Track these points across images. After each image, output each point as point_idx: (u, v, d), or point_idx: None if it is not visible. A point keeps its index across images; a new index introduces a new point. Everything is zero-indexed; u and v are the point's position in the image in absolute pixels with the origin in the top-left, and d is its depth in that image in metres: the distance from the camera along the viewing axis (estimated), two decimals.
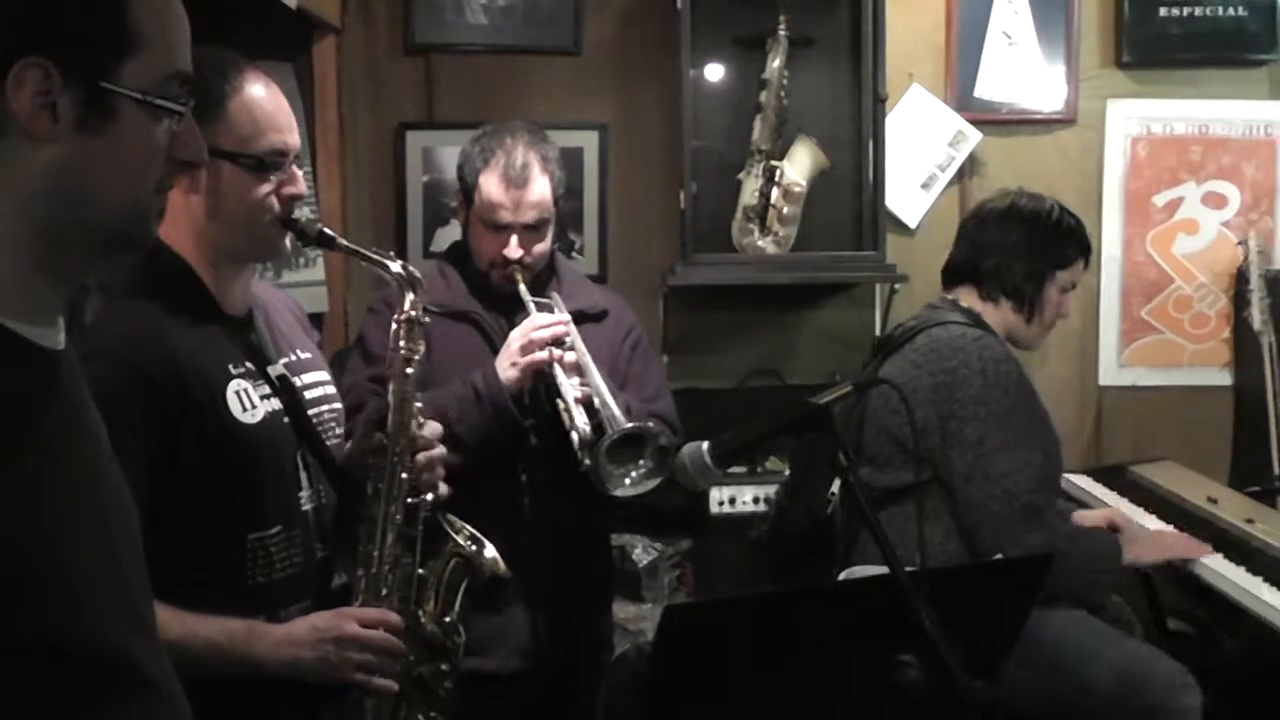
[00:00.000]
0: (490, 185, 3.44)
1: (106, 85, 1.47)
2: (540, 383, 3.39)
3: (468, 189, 3.51)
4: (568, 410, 3.32)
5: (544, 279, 3.59)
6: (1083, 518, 3.90)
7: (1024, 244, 3.77)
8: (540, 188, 3.46)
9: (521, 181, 3.43)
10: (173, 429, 2.25)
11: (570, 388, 3.33)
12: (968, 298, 3.82)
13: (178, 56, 1.55)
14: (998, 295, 3.78)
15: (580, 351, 3.39)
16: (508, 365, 3.34)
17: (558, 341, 3.38)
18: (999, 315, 3.79)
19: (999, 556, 3.41)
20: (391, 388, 2.56)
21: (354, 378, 3.32)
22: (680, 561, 4.69)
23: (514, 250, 3.45)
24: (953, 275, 3.90)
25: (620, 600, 4.40)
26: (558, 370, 3.35)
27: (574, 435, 3.28)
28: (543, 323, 3.37)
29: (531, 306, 3.44)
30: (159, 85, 1.52)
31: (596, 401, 3.29)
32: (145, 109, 1.51)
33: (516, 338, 3.37)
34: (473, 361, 3.40)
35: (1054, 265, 3.79)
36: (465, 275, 3.58)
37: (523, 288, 3.46)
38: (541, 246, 3.51)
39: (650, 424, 3.27)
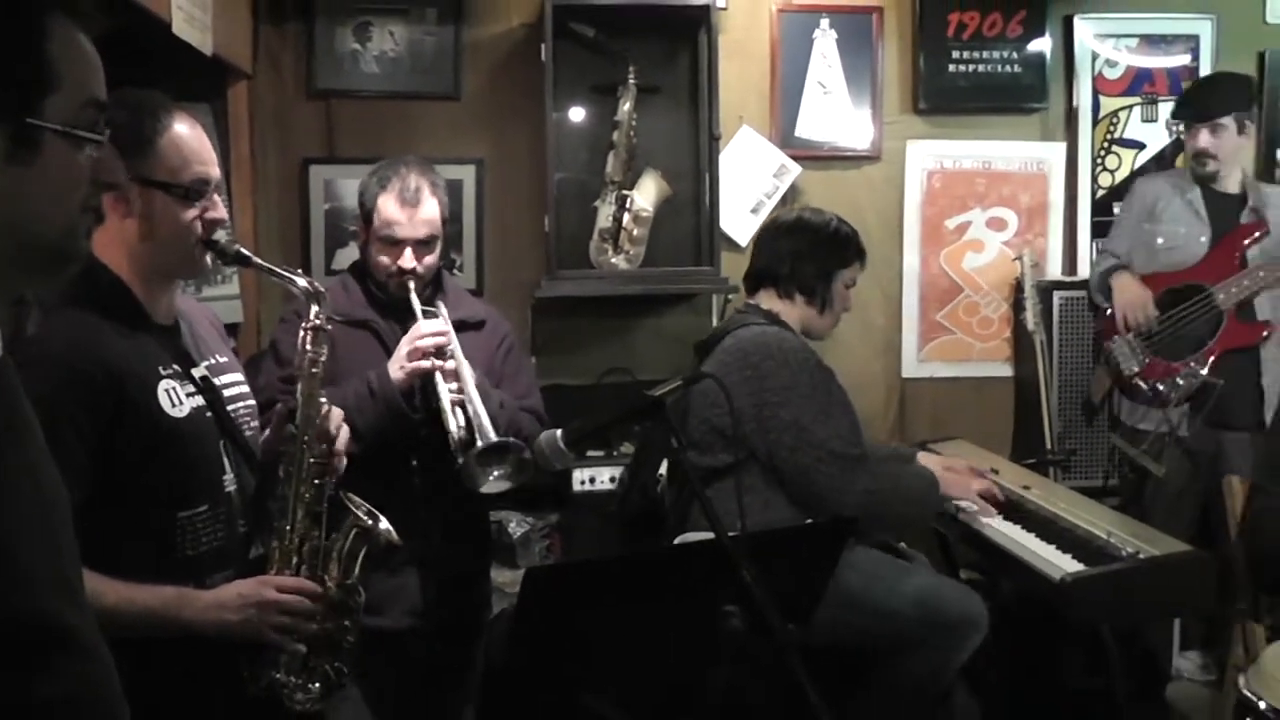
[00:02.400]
0: (388, 205, 3.46)
1: (32, 121, 1.44)
2: (428, 384, 3.41)
3: (367, 211, 3.52)
4: (445, 413, 3.34)
5: (432, 293, 3.60)
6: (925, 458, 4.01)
7: (812, 248, 3.83)
8: (431, 208, 3.49)
9: (415, 201, 3.46)
10: (110, 423, 2.25)
11: (447, 393, 3.36)
12: (768, 299, 3.86)
13: (91, 86, 1.52)
14: (794, 293, 3.83)
15: (459, 361, 3.40)
16: (397, 368, 3.36)
17: (440, 350, 3.40)
18: (795, 311, 3.84)
19: (833, 515, 3.47)
20: (300, 386, 2.57)
21: (267, 378, 3.32)
22: (549, 533, 4.69)
23: (408, 261, 3.46)
24: (754, 281, 3.94)
25: (498, 567, 4.41)
26: (438, 377, 3.37)
27: (450, 436, 3.32)
28: (427, 331, 3.40)
29: (420, 314, 3.45)
30: (77, 115, 1.49)
31: (470, 408, 3.32)
32: (68, 139, 1.48)
33: (405, 345, 3.39)
34: (370, 363, 3.41)
35: (837, 265, 3.85)
36: (364, 289, 3.59)
37: (414, 296, 3.48)
38: (431, 259, 3.53)
39: (512, 439, 3.30)
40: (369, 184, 3.54)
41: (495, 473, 3.31)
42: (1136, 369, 4.63)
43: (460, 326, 3.53)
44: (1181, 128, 4.84)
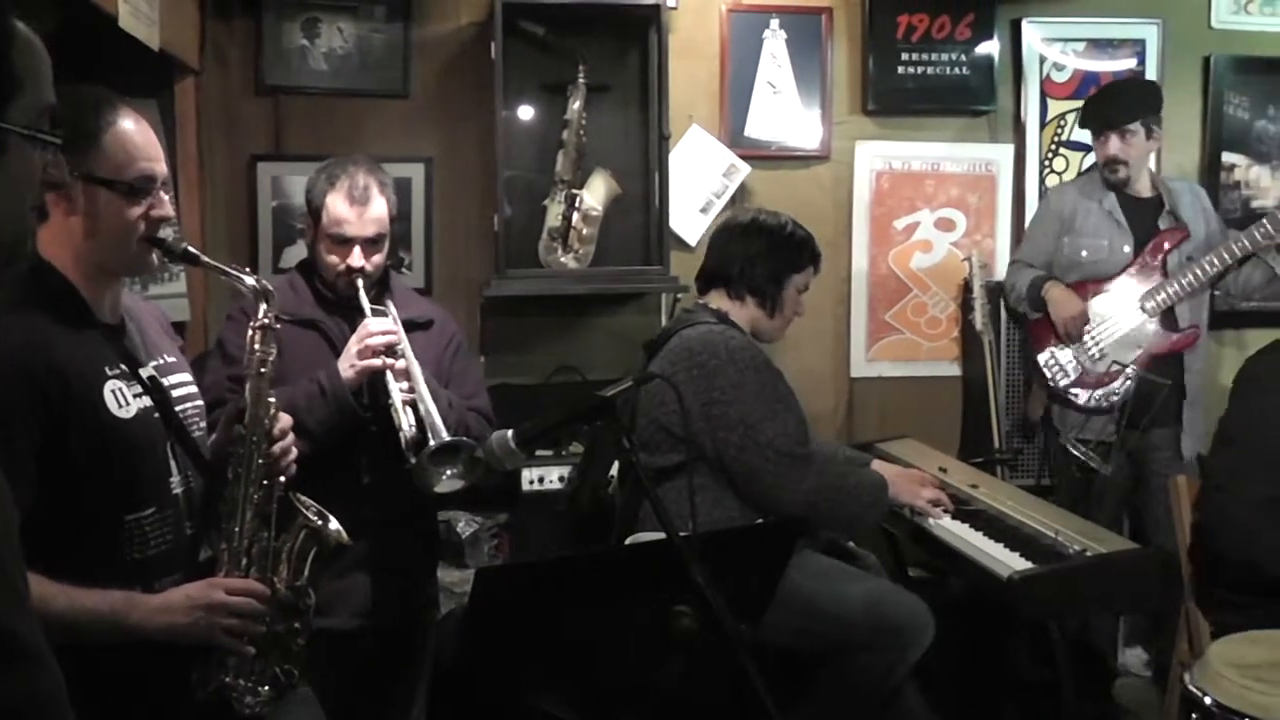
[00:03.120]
0: (336, 203, 3.44)
1: (2, 125, 1.45)
2: (377, 383, 3.39)
3: (315, 209, 3.50)
4: (397, 412, 3.33)
5: (381, 292, 3.58)
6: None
7: (765, 251, 3.82)
8: (379, 206, 3.47)
9: (364, 200, 3.44)
10: (57, 425, 2.21)
11: (399, 392, 3.35)
12: (718, 299, 3.87)
13: (47, 91, 1.53)
14: (744, 294, 3.83)
15: (409, 360, 3.40)
16: (347, 366, 3.34)
17: (390, 349, 3.38)
18: (745, 313, 3.84)
19: (772, 516, 3.51)
20: (249, 386, 2.54)
21: (214, 377, 3.29)
22: (498, 532, 4.66)
23: (357, 259, 3.45)
24: (706, 281, 3.94)
25: (446, 566, 4.39)
26: (389, 376, 3.36)
27: (402, 435, 3.30)
28: (376, 329, 3.38)
29: (369, 313, 3.43)
30: (37, 119, 1.50)
31: (421, 408, 3.32)
32: (30, 141, 1.48)
33: (354, 343, 3.37)
34: (318, 362, 3.39)
35: (790, 269, 3.85)
36: (312, 288, 3.56)
37: (363, 295, 3.46)
38: (379, 258, 3.51)
39: (464, 439, 3.30)
40: (317, 181, 3.52)
41: (448, 472, 3.31)
42: (1070, 381, 4.67)
43: (409, 326, 3.52)
44: (1089, 136, 4.85)
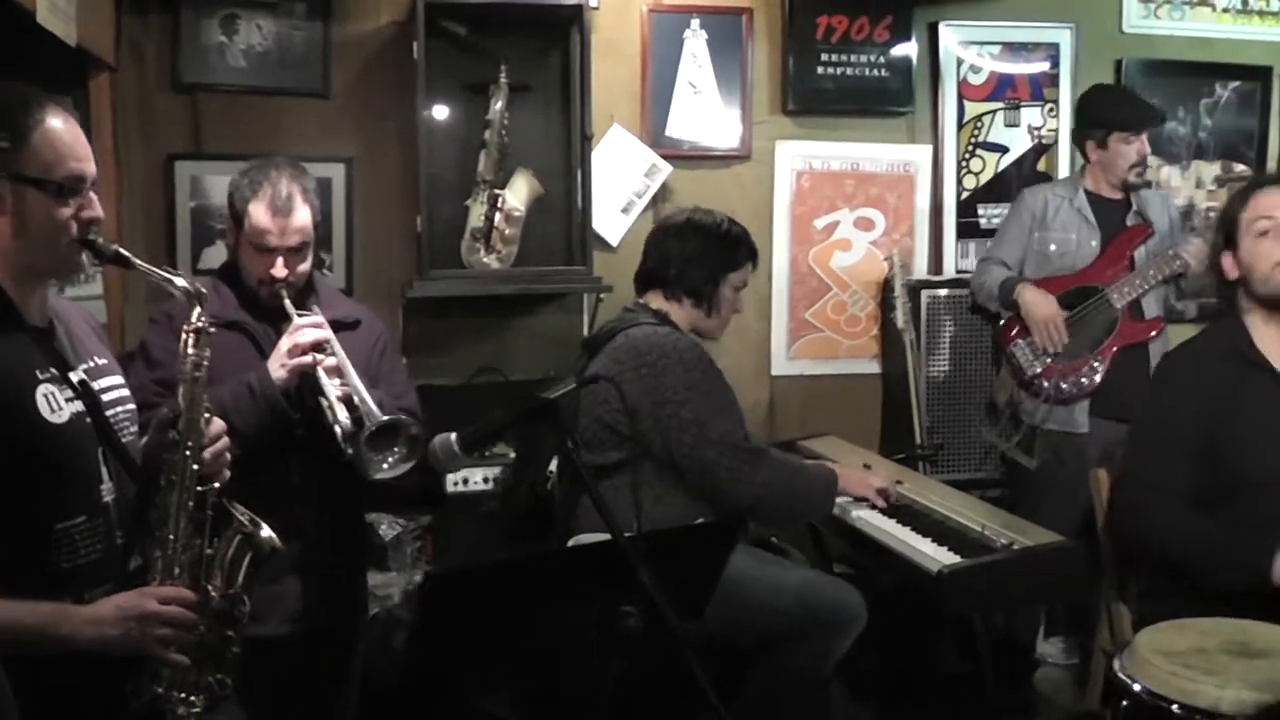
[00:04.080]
0: (259, 213, 3.37)
1: None
2: (305, 383, 3.35)
3: (238, 215, 3.43)
4: (330, 408, 3.28)
5: (305, 294, 3.53)
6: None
7: (701, 251, 3.82)
8: (303, 216, 3.41)
9: (287, 210, 3.37)
10: None
11: (332, 388, 3.30)
12: (656, 300, 3.85)
13: None
14: (681, 296, 3.82)
15: (339, 356, 3.35)
16: (278, 367, 3.29)
17: (319, 348, 3.34)
18: (684, 314, 3.83)
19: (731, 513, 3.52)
20: (182, 390, 2.48)
21: (138, 380, 3.20)
22: (421, 535, 4.62)
23: (280, 270, 3.39)
24: (643, 282, 3.93)
25: (370, 570, 4.36)
26: (320, 373, 3.31)
27: (337, 429, 3.26)
28: (305, 325, 3.34)
29: (295, 318, 3.39)
30: None
31: (355, 399, 3.27)
32: None
33: (284, 344, 3.32)
34: (244, 366, 3.33)
35: (727, 268, 3.84)
36: (236, 290, 3.50)
37: (287, 302, 3.40)
38: (304, 266, 3.46)
39: (403, 416, 3.26)
40: (240, 186, 3.44)
41: (390, 456, 3.27)
42: (1039, 370, 4.71)
43: (335, 327, 3.47)
44: (1102, 136, 4.83)
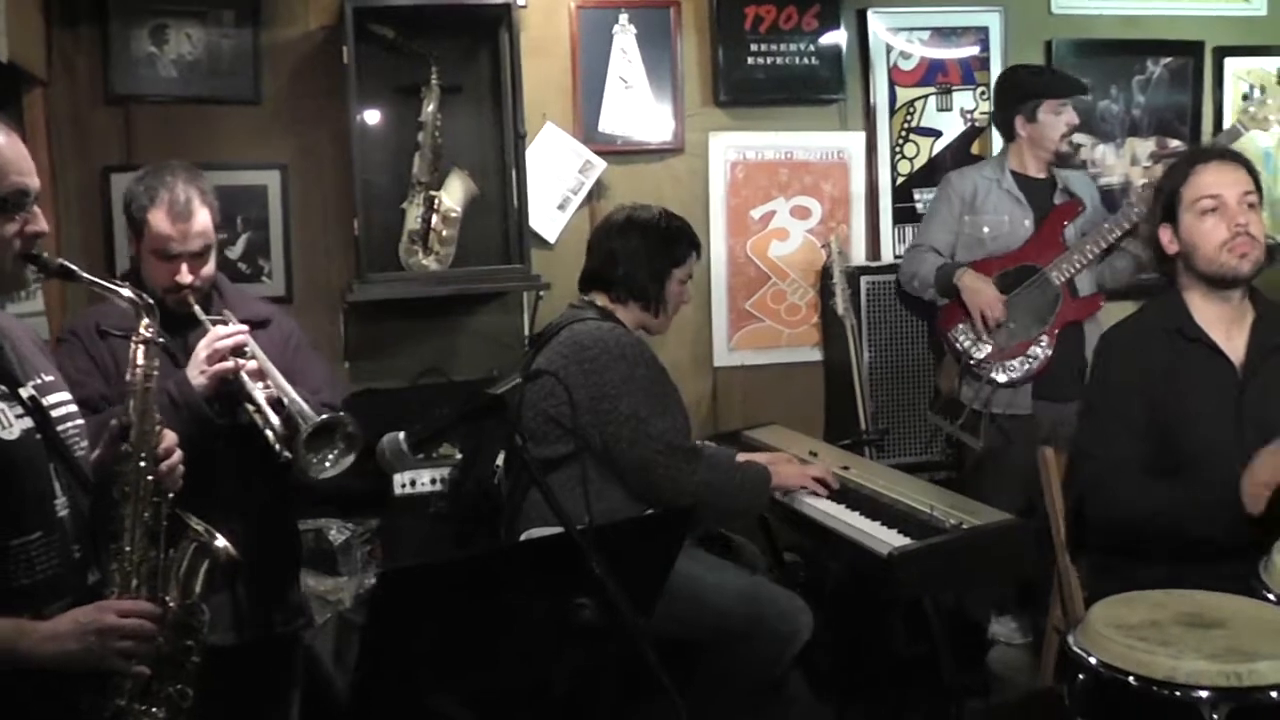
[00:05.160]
0: (158, 220, 3.33)
1: None
2: (227, 389, 3.32)
3: (137, 225, 3.38)
4: (260, 412, 3.26)
5: (210, 297, 3.50)
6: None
7: (644, 249, 3.84)
8: (203, 219, 3.37)
9: (186, 215, 3.33)
10: None
11: (258, 391, 3.28)
12: (602, 299, 3.87)
13: None
14: (627, 300, 3.85)
15: (260, 358, 3.32)
16: (198, 374, 3.25)
17: (239, 350, 3.32)
18: (629, 314, 3.85)
19: (670, 506, 3.52)
20: (133, 403, 2.46)
21: None
22: (370, 538, 4.61)
23: (185, 276, 3.35)
24: (587, 282, 3.94)
25: (319, 575, 4.35)
26: (244, 376, 3.28)
27: (269, 434, 3.24)
28: (224, 333, 3.30)
29: (208, 322, 3.36)
30: None
31: (285, 400, 3.25)
32: None
33: (203, 349, 3.27)
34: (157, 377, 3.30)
35: (670, 264, 3.87)
36: None
37: (197, 308, 3.38)
38: (208, 270, 3.42)
39: (337, 414, 3.25)
40: (136, 195, 3.39)
41: (329, 455, 3.25)
42: (983, 355, 4.76)
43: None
44: (1032, 109, 4.89)
